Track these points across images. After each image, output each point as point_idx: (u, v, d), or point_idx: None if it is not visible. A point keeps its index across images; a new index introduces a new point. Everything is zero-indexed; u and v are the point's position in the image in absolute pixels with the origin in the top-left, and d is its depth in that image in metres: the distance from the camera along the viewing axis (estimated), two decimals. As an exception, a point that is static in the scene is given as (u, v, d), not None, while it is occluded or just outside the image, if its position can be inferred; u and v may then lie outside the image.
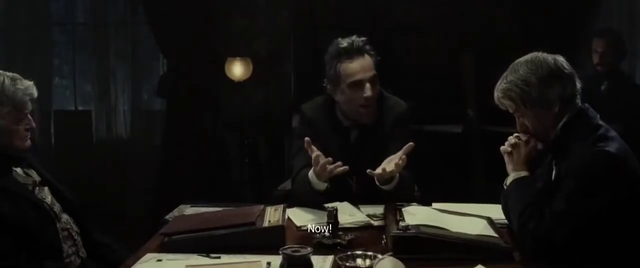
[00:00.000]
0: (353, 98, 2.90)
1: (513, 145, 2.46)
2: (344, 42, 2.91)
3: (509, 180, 2.46)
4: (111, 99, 5.79)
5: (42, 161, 5.31)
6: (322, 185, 2.77)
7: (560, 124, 2.34)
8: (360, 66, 2.87)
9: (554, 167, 2.39)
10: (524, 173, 2.43)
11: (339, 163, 2.65)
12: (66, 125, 5.84)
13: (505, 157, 2.49)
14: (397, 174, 2.76)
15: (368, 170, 2.68)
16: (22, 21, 5.71)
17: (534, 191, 2.38)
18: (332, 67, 2.91)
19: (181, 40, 5.50)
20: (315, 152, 2.67)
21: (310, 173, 2.78)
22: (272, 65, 5.62)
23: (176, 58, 5.62)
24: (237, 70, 5.31)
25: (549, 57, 2.35)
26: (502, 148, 2.50)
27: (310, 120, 3.04)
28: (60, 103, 6.10)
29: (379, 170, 2.67)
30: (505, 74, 2.38)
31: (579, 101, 2.36)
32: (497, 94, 2.39)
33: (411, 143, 2.70)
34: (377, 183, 2.77)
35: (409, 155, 2.71)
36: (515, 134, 2.48)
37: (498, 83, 2.39)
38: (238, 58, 5.31)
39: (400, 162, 2.65)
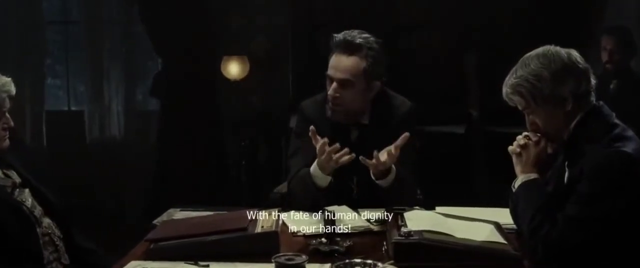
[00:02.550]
0: (327, 90, 2.83)
1: (522, 146, 2.33)
2: (341, 35, 2.80)
3: (517, 182, 2.34)
4: (105, 99, 5.72)
5: (34, 162, 5.26)
6: (325, 180, 2.68)
7: (573, 122, 2.22)
8: (337, 63, 2.78)
9: (566, 169, 2.27)
10: (533, 176, 2.30)
11: (346, 150, 2.58)
12: (59, 126, 5.77)
13: (514, 158, 2.36)
14: (394, 169, 2.66)
15: (360, 157, 2.60)
16: (14, 19, 5.62)
17: (544, 194, 2.25)
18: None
19: (176, 39, 5.42)
20: (321, 141, 2.60)
21: (313, 168, 2.68)
22: (270, 65, 5.55)
23: (171, 57, 5.54)
24: (234, 69, 5.25)
25: (562, 51, 2.22)
26: (510, 148, 2.38)
27: (310, 119, 2.93)
28: (53, 103, 6.05)
29: (373, 160, 2.59)
30: (515, 68, 2.25)
31: (593, 98, 2.24)
32: (505, 89, 2.26)
33: (407, 133, 2.61)
34: (373, 177, 2.68)
35: (407, 149, 2.64)
36: (524, 134, 2.36)
37: (507, 78, 2.26)
38: (234, 57, 5.25)
39: (393, 151, 2.58)
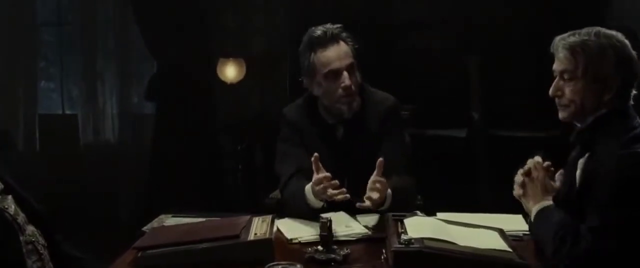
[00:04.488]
0: (331, 89, 2.77)
1: (524, 184, 2.24)
2: (318, 31, 2.78)
3: (532, 214, 2.22)
4: (99, 102, 5.66)
5: (27, 167, 5.16)
6: (318, 203, 2.61)
7: (596, 114, 2.16)
8: (335, 54, 2.74)
9: (578, 167, 2.19)
10: (547, 203, 2.20)
11: (343, 190, 2.49)
12: (52, 130, 5.72)
13: (522, 200, 2.26)
14: (389, 192, 2.59)
15: (358, 204, 2.54)
16: (6, 20, 5.55)
17: (562, 214, 2.13)
18: (306, 59, 2.79)
19: (171, 41, 5.36)
20: (322, 174, 2.50)
21: (308, 188, 2.60)
22: (267, 67, 5.48)
23: (166, 59, 5.47)
24: (230, 71, 5.20)
25: (631, 47, 2.16)
26: (515, 193, 2.28)
27: (293, 123, 2.90)
28: (47, 106, 5.98)
29: (367, 203, 2.52)
30: (578, 31, 2.15)
31: (628, 107, 2.17)
32: (560, 42, 2.16)
33: (381, 159, 2.53)
34: (372, 208, 2.58)
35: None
36: (520, 172, 2.26)
37: (566, 34, 2.17)
38: (231, 59, 5.21)
39: (379, 185, 2.50)
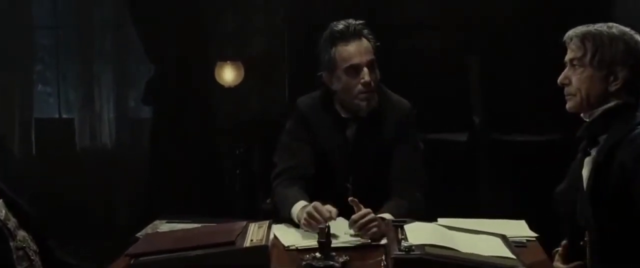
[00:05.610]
0: (350, 85, 2.74)
1: None
2: (340, 25, 2.77)
3: None
4: (96, 106, 5.59)
5: (23, 172, 5.10)
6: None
7: (604, 107, 2.15)
8: (356, 49, 2.73)
9: (584, 165, 2.17)
10: None
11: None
12: (48, 134, 5.64)
13: None
14: (389, 217, 2.53)
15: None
16: (1, 23, 5.48)
17: None
18: (327, 53, 2.77)
19: (169, 43, 5.31)
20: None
21: (295, 208, 2.56)
22: (267, 67, 5.43)
23: (164, 62, 5.41)
24: (228, 74, 5.15)
25: None
26: None
27: (305, 116, 2.88)
28: (44, 111, 5.91)
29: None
30: (591, 24, 2.19)
31: (637, 103, 2.16)
32: (573, 32, 2.20)
33: (352, 198, 2.47)
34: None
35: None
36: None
37: (578, 27, 2.20)
38: (228, 62, 5.17)
39: (375, 228, 2.43)
